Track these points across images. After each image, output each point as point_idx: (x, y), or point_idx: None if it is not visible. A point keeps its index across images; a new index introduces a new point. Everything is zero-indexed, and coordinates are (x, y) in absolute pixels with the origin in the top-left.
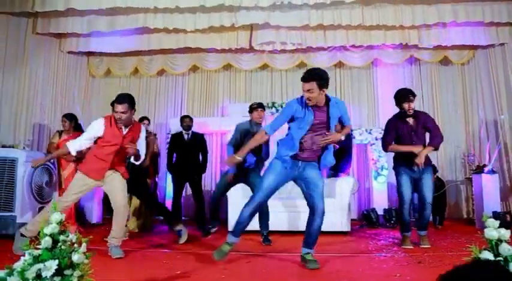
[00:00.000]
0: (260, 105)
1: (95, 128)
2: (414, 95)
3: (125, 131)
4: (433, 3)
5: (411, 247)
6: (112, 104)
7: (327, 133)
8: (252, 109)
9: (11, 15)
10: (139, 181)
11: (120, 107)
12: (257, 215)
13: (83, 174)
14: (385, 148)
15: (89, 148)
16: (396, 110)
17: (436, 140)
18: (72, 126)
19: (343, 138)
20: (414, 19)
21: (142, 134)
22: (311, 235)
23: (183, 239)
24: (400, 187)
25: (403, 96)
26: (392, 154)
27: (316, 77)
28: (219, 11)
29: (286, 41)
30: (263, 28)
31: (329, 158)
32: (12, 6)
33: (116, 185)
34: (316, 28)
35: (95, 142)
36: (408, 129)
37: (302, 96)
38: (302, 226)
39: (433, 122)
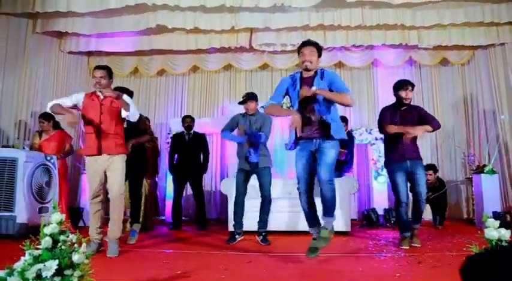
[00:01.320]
0: (249, 98)
1: (77, 95)
2: (413, 85)
3: (102, 96)
4: (433, 3)
5: (408, 247)
6: None
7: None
8: (241, 103)
9: (12, 15)
10: (134, 176)
11: (99, 72)
12: (256, 213)
13: (85, 156)
14: (382, 129)
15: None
16: None
17: (435, 125)
18: (51, 126)
19: (322, 93)
20: (414, 19)
21: (124, 96)
22: (323, 202)
23: (132, 241)
24: (396, 186)
25: (401, 84)
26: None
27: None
28: (219, 11)
29: (286, 42)
30: (263, 30)
31: (335, 128)
32: (14, 7)
33: (114, 173)
34: (316, 29)
35: (83, 122)
36: (401, 119)
37: (295, 73)
38: (302, 226)
39: (427, 112)
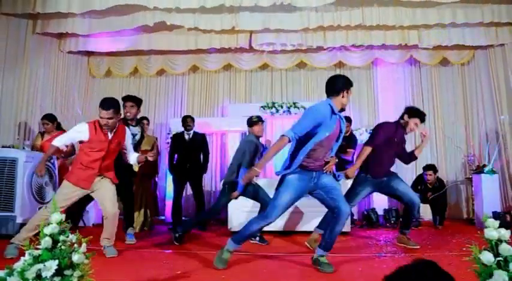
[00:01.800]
0: (261, 119)
1: (80, 131)
2: (423, 121)
3: (110, 135)
4: (433, 3)
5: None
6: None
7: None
8: (252, 123)
9: (12, 16)
10: (123, 179)
11: (105, 113)
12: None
13: (71, 184)
14: (369, 145)
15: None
16: (397, 114)
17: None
18: (54, 127)
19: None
20: (414, 19)
21: (128, 135)
22: (332, 237)
23: (130, 242)
24: (356, 195)
25: (419, 115)
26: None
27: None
28: (219, 12)
29: (286, 42)
30: (263, 31)
31: None
32: (14, 7)
33: (105, 193)
34: (316, 29)
35: (80, 149)
36: (399, 140)
37: (330, 104)
38: (301, 227)
39: None
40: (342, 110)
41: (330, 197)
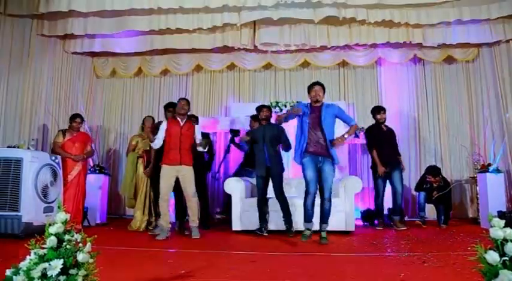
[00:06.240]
0: (259, 108)
1: (162, 126)
2: (384, 110)
3: (182, 123)
4: (439, 4)
5: (404, 228)
6: (165, 107)
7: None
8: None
9: (17, 17)
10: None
11: (183, 102)
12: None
13: (165, 165)
14: (371, 150)
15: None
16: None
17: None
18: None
19: (347, 136)
20: (419, 17)
21: (197, 127)
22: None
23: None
24: (379, 184)
25: (376, 109)
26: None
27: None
28: (222, 11)
29: (290, 42)
30: (266, 26)
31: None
32: (19, 8)
33: (188, 178)
34: (320, 27)
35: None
36: (385, 134)
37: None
38: (301, 226)
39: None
40: (317, 101)
41: (320, 183)
